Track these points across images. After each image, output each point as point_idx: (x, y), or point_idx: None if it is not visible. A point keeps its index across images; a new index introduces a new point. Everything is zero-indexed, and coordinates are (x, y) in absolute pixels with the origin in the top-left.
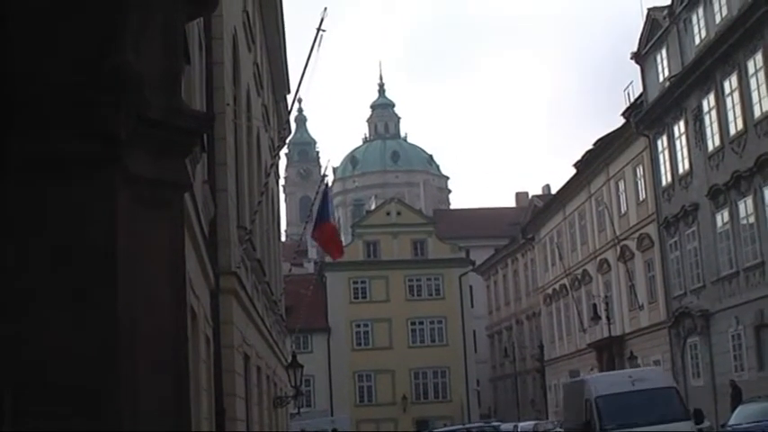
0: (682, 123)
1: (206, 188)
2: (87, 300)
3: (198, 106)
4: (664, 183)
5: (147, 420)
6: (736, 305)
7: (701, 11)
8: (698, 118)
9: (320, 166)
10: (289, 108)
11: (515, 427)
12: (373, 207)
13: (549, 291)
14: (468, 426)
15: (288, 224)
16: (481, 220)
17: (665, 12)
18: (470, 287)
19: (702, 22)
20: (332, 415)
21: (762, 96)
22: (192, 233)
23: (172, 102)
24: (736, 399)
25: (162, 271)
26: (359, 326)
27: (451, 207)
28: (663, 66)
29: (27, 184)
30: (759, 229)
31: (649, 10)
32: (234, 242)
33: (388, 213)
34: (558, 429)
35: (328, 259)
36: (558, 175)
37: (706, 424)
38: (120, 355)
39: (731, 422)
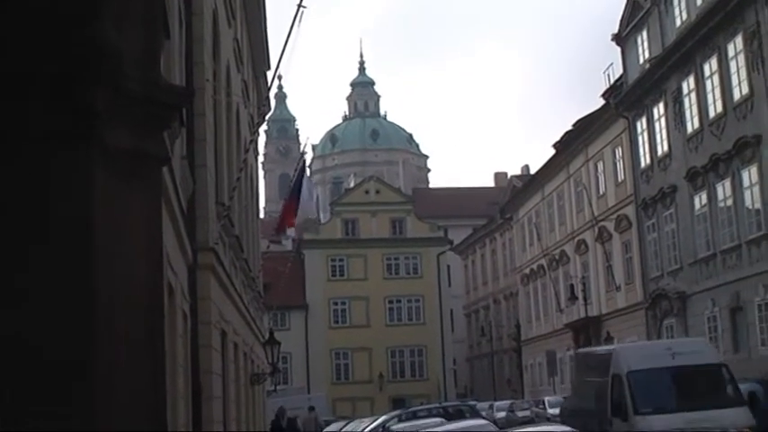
0: (661, 105)
1: (184, 164)
2: (64, 274)
3: (177, 81)
4: (642, 164)
5: (123, 395)
6: (712, 287)
7: None
8: (677, 100)
9: (300, 144)
10: (269, 84)
11: (491, 406)
12: (352, 185)
13: (527, 271)
14: (444, 404)
15: (266, 201)
16: (460, 200)
17: None
18: (448, 266)
19: (683, 5)
20: (308, 392)
21: (741, 79)
22: (171, 208)
23: (151, 76)
24: None
25: (139, 245)
26: (336, 304)
27: (431, 186)
28: (643, 47)
29: (2, 158)
30: (736, 212)
31: None
32: (212, 218)
33: (366, 192)
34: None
35: (307, 237)
36: (538, 155)
37: None
38: (97, 330)
39: None
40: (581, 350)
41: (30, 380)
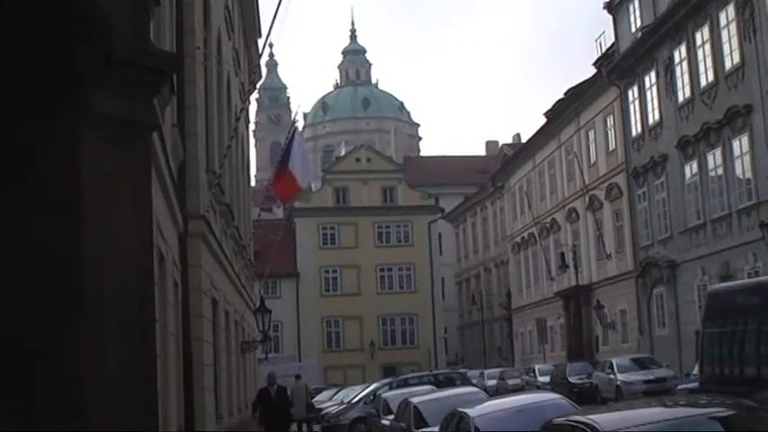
0: (653, 74)
1: (175, 131)
2: (51, 241)
3: (167, 49)
4: (634, 133)
5: (112, 360)
6: (702, 256)
7: None
8: (669, 69)
9: (291, 112)
10: (260, 52)
11: (482, 374)
12: (343, 153)
13: (518, 239)
14: (435, 372)
15: (258, 169)
16: (451, 168)
17: None
18: (439, 234)
19: None
20: (299, 360)
21: (733, 48)
22: (161, 176)
23: (140, 42)
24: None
25: (128, 211)
26: (327, 272)
27: (422, 154)
28: (635, 16)
29: None
30: (727, 181)
31: None
32: (203, 186)
33: (357, 160)
34: (539, 380)
35: (298, 205)
36: (529, 124)
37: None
38: (85, 297)
39: (695, 371)
40: (719, 286)
41: (16, 337)
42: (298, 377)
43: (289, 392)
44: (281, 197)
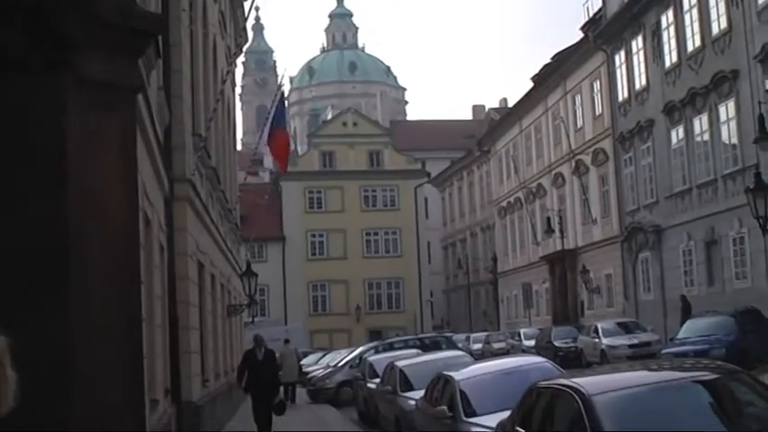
0: (640, 39)
1: (161, 94)
2: (37, 203)
3: (152, 11)
4: (620, 98)
5: (98, 323)
6: (687, 221)
7: None
8: (656, 34)
9: (277, 76)
10: (246, 15)
11: (468, 338)
12: (330, 117)
13: (504, 203)
14: (420, 336)
15: (244, 133)
16: (438, 133)
17: None
18: (425, 199)
19: None
20: (286, 324)
21: (720, 14)
22: (147, 139)
23: (125, 4)
24: (686, 313)
25: (114, 174)
26: (314, 236)
27: (408, 119)
28: None
29: None
30: (713, 147)
31: None
32: (188, 149)
33: (344, 124)
34: (525, 344)
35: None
36: (516, 88)
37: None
38: (71, 260)
39: (680, 336)
40: None
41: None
42: (287, 341)
43: (277, 356)
44: (281, 164)
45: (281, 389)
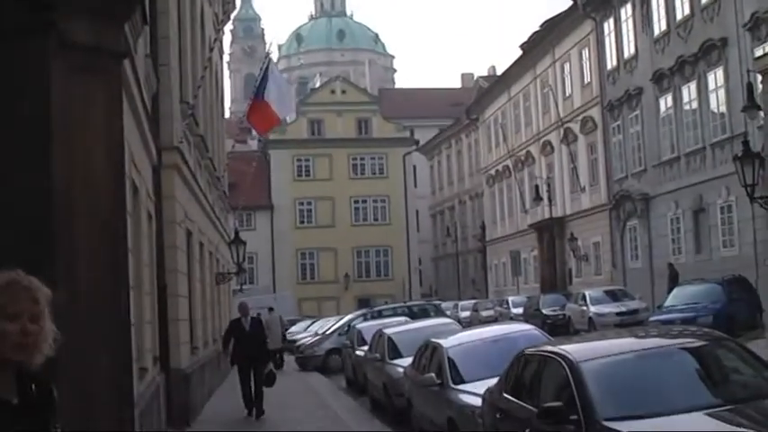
0: (629, 6)
1: (148, 62)
2: (20, 169)
3: None
4: (609, 66)
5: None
6: (675, 189)
7: None
8: (645, 1)
9: (265, 43)
10: None
11: (456, 305)
12: (318, 85)
13: (492, 171)
14: (409, 304)
15: (232, 101)
16: (426, 100)
17: None
18: (414, 167)
19: None
20: (274, 292)
21: None
22: (134, 107)
23: None
24: (674, 281)
25: (100, 140)
26: (302, 204)
27: (397, 87)
28: None
29: None
30: (701, 115)
31: None
32: (176, 117)
33: (332, 91)
34: (513, 312)
35: (272, 137)
36: (505, 56)
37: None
38: (56, 226)
39: (667, 303)
40: None
41: None
42: (271, 309)
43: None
44: (258, 129)
45: (275, 361)
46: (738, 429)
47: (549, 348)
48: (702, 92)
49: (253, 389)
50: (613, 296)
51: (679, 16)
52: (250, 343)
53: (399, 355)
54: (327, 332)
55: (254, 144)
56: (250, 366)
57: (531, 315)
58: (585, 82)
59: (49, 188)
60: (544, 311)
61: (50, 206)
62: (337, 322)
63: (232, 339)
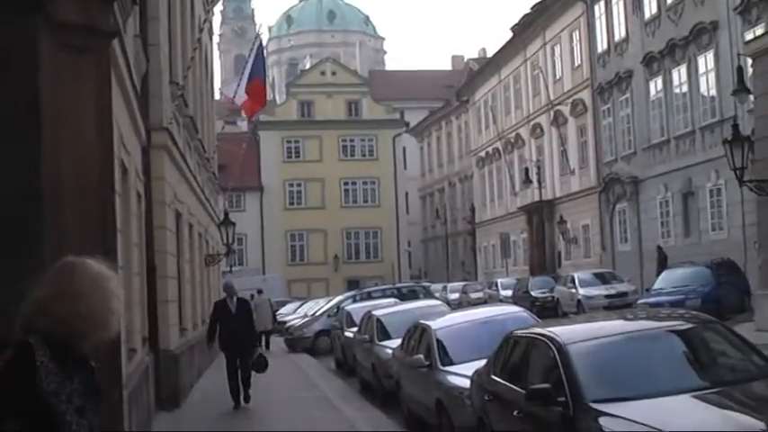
0: None
1: (137, 42)
2: (9, 146)
3: None
4: (599, 49)
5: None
6: (665, 172)
7: None
8: None
9: (255, 24)
10: None
11: (445, 287)
12: (308, 66)
13: (482, 154)
14: (398, 286)
15: (222, 82)
16: (416, 82)
17: None
18: (404, 148)
19: None
20: (263, 273)
21: None
22: (124, 87)
23: None
24: (662, 264)
25: (89, 120)
26: (292, 185)
27: (387, 68)
28: None
29: None
30: (691, 98)
31: None
32: (166, 98)
33: (322, 73)
34: (502, 294)
35: (262, 118)
36: (495, 38)
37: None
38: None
39: (656, 286)
40: None
41: None
42: (260, 291)
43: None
44: (247, 111)
45: (260, 343)
46: (725, 412)
47: (538, 330)
48: (693, 75)
49: (240, 376)
50: (602, 279)
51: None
52: (237, 326)
53: (388, 337)
54: (317, 314)
55: (243, 125)
56: (237, 355)
57: (520, 297)
58: (576, 65)
59: (37, 168)
60: (533, 294)
61: (38, 186)
62: (326, 304)
63: (217, 323)
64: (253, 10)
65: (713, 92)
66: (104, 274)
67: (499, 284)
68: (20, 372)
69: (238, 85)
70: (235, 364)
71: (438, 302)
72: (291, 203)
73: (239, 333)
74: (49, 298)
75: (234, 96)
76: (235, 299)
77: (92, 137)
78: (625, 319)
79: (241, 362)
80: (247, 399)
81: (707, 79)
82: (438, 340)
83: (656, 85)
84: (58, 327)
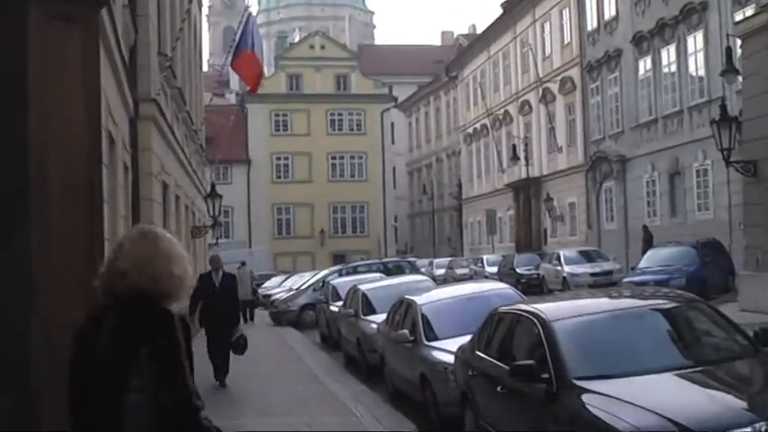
0: None
1: (126, 12)
2: None
3: None
4: (589, 27)
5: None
6: (652, 152)
7: None
8: None
9: None
10: None
11: (431, 263)
12: (297, 40)
13: (470, 130)
14: (384, 260)
15: (211, 54)
16: (406, 58)
17: None
18: (392, 123)
19: None
20: (250, 246)
21: None
22: (112, 58)
23: None
24: (648, 243)
25: (77, 89)
26: (279, 158)
27: (376, 43)
28: None
29: None
30: (680, 78)
31: None
32: (154, 69)
33: (311, 47)
34: (487, 271)
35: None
36: (485, 15)
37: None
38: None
39: (641, 265)
40: None
41: None
42: (243, 264)
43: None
44: (251, 84)
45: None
46: (708, 390)
47: (523, 307)
48: (682, 55)
49: (222, 354)
50: (588, 257)
51: None
52: (220, 302)
53: (373, 312)
54: (302, 287)
55: (231, 98)
56: (220, 333)
57: (506, 274)
58: (565, 42)
59: (24, 137)
60: (518, 270)
61: (25, 155)
62: (312, 278)
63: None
64: None
65: (702, 72)
66: (178, 243)
67: (485, 261)
68: (86, 337)
69: (226, 59)
70: (216, 342)
71: (424, 278)
72: (278, 177)
73: (222, 309)
74: (149, 256)
75: (222, 68)
76: (221, 272)
77: (79, 107)
78: (610, 297)
79: (222, 340)
80: (224, 375)
81: (696, 59)
82: (423, 315)
83: (644, 65)
84: (152, 284)
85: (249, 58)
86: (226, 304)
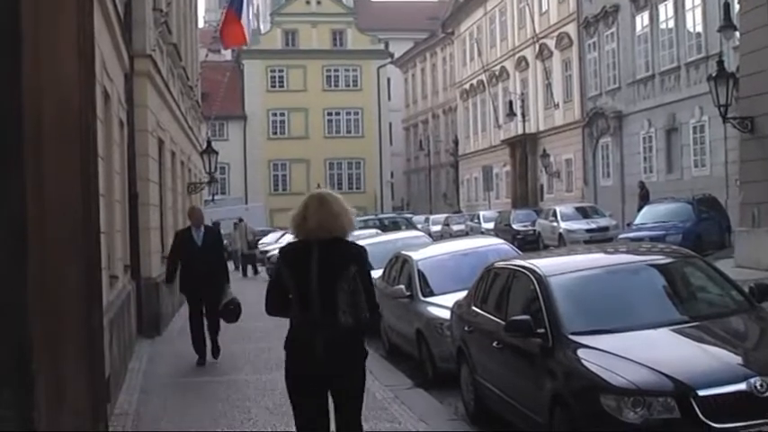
0: None
1: None
2: None
3: None
4: None
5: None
6: (649, 108)
7: None
8: None
9: None
10: None
11: (427, 219)
12: None
13: (467, 86)
14: (380, 216)
15: (206, 10)
16: (402, 13)
17: None
18: (388, 79)
19: None
20: (246, 203)
21: None
22: (106, 12)
23: None
24: (644, 199)
25: (70, 42)
26: (275, 115)
27: None
28: None
29: None
30: (677, 34)
31: None
32: (149, 24)
33: (308, 2)
34: (483, 227)
35: (246, 47)
36: None
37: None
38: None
39: (637, 221)
40: None
41: None
42: (240, 220)
43: (229, 241)
44: (226, 43)
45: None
46: (703, 345)
47: (518, 262)
48: (679, 11)
49: (206, 324)
50: (584, 213)
51: None
52: (203, 263)
53: (369, 268)
54: None
55: (227, 54)
56: (202, 298)
57: (502, 230)
58: None
59: (18, 90)
60: (515, 227)
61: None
62: None
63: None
64: None
65: (699, 28)
66: (341, 199)
67: (481, 217)
68: (298, 255)
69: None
70: (199, 310)
71: (420, 234)
72: (275, 133)
73: (206, 271)
74: (327, 218)
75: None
76: (202, 228)
77: (73, 61)
78: (606, 252)
79: (207, 307)
80: (216, 352)
81: (693, 15)
82: (419, 271)
83: (642, 20)
84: (338, 231)
85: (231, 18)
86: (210, 266)
